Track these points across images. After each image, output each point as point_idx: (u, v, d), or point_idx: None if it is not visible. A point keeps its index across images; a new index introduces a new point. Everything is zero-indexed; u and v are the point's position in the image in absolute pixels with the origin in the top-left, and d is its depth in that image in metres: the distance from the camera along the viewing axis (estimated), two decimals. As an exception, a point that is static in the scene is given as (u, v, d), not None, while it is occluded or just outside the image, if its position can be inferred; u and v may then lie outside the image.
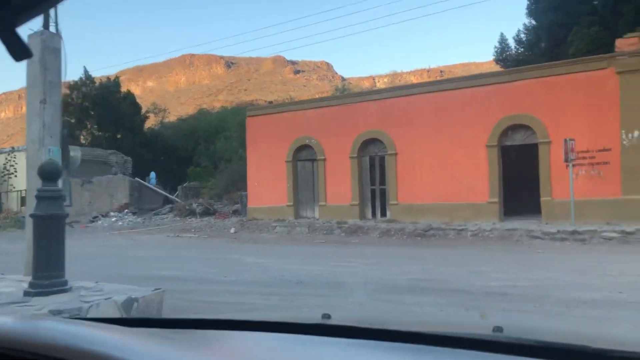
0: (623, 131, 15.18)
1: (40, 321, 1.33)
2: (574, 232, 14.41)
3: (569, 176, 15.23)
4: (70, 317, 1.89)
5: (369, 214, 20.13)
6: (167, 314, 6.38)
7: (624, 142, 15.16)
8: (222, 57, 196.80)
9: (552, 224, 15.59)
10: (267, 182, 22.19)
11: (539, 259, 11.93)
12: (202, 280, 9.63)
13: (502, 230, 15.65)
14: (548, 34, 28.58)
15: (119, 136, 45.71)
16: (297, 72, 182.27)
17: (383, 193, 19.96)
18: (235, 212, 24.84)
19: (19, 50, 0.63)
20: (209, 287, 8.88)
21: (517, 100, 16.90)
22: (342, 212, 20.08)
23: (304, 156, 21.67)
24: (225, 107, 65.80)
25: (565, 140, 14.99)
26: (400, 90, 19.03)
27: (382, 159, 19.87)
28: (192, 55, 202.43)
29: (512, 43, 31.01)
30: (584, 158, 15.74)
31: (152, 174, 35.61)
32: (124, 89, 49.00)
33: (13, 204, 30.09)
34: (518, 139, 17.29)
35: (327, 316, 1.64)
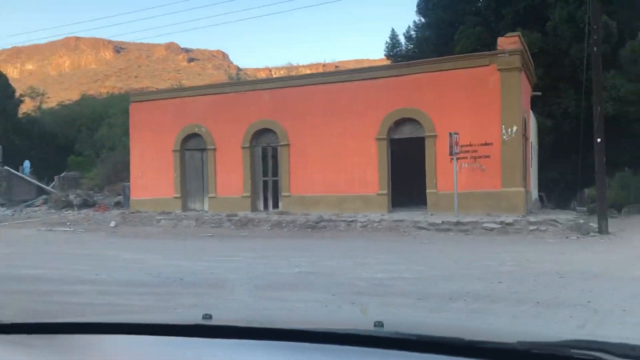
0: (503, 126, 15.92)
1: None
2: (457, 223, 14.89)
3: (453, 169, 15.73)
4: None
5: (260, 206, 19.66)
6: (24, 318, 5.53)
7: (504, 137, 15.91)
8: (110, 42, 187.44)
9: (437, 215, 16.04)
10: (152, 172, 20.97)
11: (424, 249, 12.13)
12: (69, 279, 8.68)
13: (390, 222, 15.85)
14: (437, 31, 29.55)
15: (-12, 122, 41.54)
16: (191, 60, 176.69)
17: (275, 185, 19.57)
18: (118, 205, 23.32)
19: None
20: (76, 288, 7.99)
21: (406, 94, 17.19)
22: (233, 204, 19.44)
23: (193, 145, 20.73)
24: (112, 93, 62.00)
25: (450, 134, 15.44)
26: (293, 80, 18.71)
27: (274, 149, 19.46)
28: (78, 39, 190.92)
29: (402, 39, 31.73)
30: (467, 152, 16.33)
31: (26, 163, 32.64)
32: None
33: None
34: (406, 132, 17.62)
35: (208, 316, 1.57)
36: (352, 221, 16.28)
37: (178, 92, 21.58)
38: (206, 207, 20.30)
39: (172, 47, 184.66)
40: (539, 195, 23.10)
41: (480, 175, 16.26)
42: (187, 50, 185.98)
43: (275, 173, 19.47)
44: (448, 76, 16.70)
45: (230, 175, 19.72)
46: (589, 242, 12.68)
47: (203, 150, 20.44)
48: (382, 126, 17.48)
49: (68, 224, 19.13)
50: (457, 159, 15.85)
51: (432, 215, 16.31)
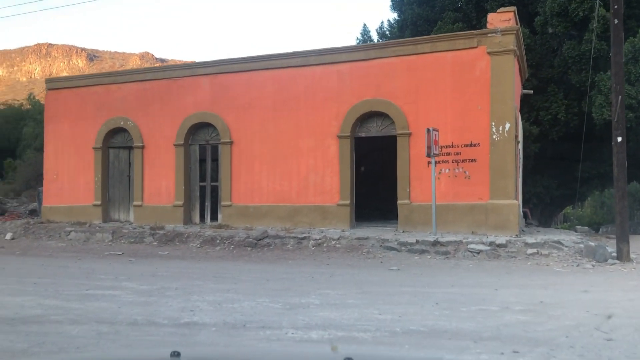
0: (493, 123, 12.76)
1: None
2: (435, 243, 11.62)
3: (430, 175, 12.52)
4: None
5: (196, 217, 16.10)
6: None
7: (494, 137, 12.74)
8: (84, 50, 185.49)
9: (410, 233, 12.78)
10: (69, 174, 17.28)
11: (393, 280, 8.79)
12: None
13: (351, 240, 12.51)
14: (412, 28, 26.72)
15: None
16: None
17: (215, 192, 16.06)
18: (33, 213, 19.52)
19: None
20: None
21: (375, 82, 13.97)
22: (164, 214, 15.87)
23: (118, 142, 17.10)
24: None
25: (428, 130, 12.23)
26: (237, 65, 15.31)
27: (214, 148, 15.97)
28: (50, 45, 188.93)
29: (375, 37, 28.76)
30: (448, 154, 13.15)
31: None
32: None
33: None
34: (374, 129, 14.35)
35: (176, 354, 1.51)
36: (303, 238, 12.88)
37: (101, 77, 17.91)
38: (131, 218, 16.65)
39: (146, 57, 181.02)
40: (523, 212, 20.08)
41: (463, 183, 13.07)
42: (162, 61, 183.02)
43: (216, 177, 15.97)
44: (426, 61, 13.52)
45: (161, 179, 16.15)
46: (611, 273, 9.52)
47: (129, 148, 16.83)
48: (344, 121, 14.19)
49: (-48, 235, 15.30)
50: (436, 162, 12.64)
51: (403, 232, 13.04)
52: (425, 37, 14.84)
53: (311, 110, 14.52)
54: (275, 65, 14.98)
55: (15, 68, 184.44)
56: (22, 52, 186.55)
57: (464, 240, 11.53)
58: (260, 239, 13.03)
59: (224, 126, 15.48)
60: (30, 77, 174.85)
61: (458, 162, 13.10)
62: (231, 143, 15.41)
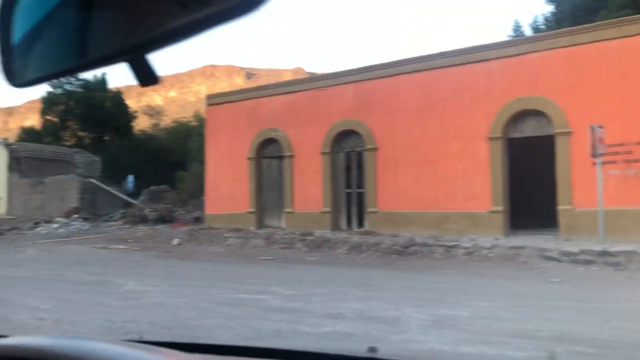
0: (672, 116, 11.16)
1: (116, 346, 1.05)
2: (603, 253, 10.40)
3: (596, 178, 11.26)
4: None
5: (343, 223, 16.25)
6: None
7: (673, 131, 11.13)
8: (243, 69, 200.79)
9: (572, 242, 11.60)
10: (227, 184, 18.46)
11: (554, 293, 7.99)
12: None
13: (505, 249, 11.68)
14: (571, 20, 24.63)
15: (106, 138, 42.73)
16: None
17: (361, 198, 16.08)
18: (197, 220, 21.13)
19: (145, 76, 0.58)
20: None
21: (528, 79, 12.98)
22: (312, 220, 16.25)
23: (270, 152, 17.91)
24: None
25: (592, 127, 11.02)
26: (381, 70, 15.20)
27: (359, 155, 16.01)
28: (214, 66, 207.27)
29: (528, 32, 27.00)
30: (617, 153, 11.74)
31: (130, 178, 32.13)
32: (147, 98, 46.43)
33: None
34: (528, 129, 13.32)
35: (373, 349, 1.42)
36: (452, 246, 12.32)
37: (253, 92, 18.93)
38: (284, 224, 17.30)
39: (298, 72, 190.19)
40: None
41: (636, 185, 11.58)
42: (312, 74, 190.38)
43: (361, 184, 15.98)
44: (588, 51, 12.26)
45: (309, 186, 16.57)
46: None
47: (280, 157, 17.53)
48: (495, 122, 13.38)
49: (130, 240, 17.10)
50: (603, 163, 11.34)
51: (566, 241, 11.89)
52: (585, 25, 13.47)
53: (458, 111, 13.92)
54: (419, 67, 14.62)
55: (185, 89, 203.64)
56: (191, 75, 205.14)
57: (638, 250, 10.17)
58: (406, 247, 12.72)
59: (368, 132, 15.46)
60: (198, 97, 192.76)
61: (629, 162, 11.65)
62: (376, 149, 15.33)
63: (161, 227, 19.86)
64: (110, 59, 0.59)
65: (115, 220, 22.07)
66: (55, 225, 21.34)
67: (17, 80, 0.65)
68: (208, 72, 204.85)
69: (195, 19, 0.52)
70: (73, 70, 0.63)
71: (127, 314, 6.21)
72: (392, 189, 14.96)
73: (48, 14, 0.63)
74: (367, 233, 14.88)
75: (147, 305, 6.88)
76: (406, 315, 6.03)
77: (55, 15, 0.62)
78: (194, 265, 11.97)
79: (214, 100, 19.56)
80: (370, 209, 15.40)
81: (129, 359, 0.97)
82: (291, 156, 17.05)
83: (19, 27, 0.64)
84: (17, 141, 32.81)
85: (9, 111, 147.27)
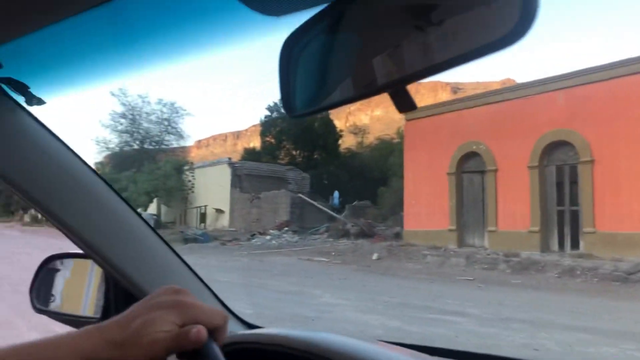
0: None
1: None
2: None
3: None
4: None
5: (554, 244, 14.75)
6: None
7: None
8: (448, 84, 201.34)
9: None
10: (425, 199, 18.14)
11: None
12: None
13: None
14: None
15: (315, 156, 45.75)
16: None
17: (575, 216, 14.44)
18: (397, 236, 21.15)
19: (404, 103, 0.62)
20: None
21: None
22: (518, 240, 15.07)
23: (471, 167, 17.14)
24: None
25: None
26: (597, 73, 13.52)
27: (573, 168, 14.42)
28: (419, 83, 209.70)
29: None
30: None
31: (336, 194, 33.82)
32: (354, 118, 49.73)
33: (192, 220, 30.59)
34: None
35: None
36: (693, 275, 10.32)
37: (453, 104, 18.34)
38: (486, 243, 16.36)
39: (507, 83, 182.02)
40: None
41: None
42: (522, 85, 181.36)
43: (575, 201, 14.36)
44: None
45: (515, 203, 15.42)
46: None
47: (482, 172, 16.67)
48: None
49: (332, 253, 17.76)
50: None
51: None
52: None
53: (700, 115, 11.72)
54: (645, 67, 12.70)
55: (390, 108, 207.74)
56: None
57: None
58: (631, 273, 11.01)
59: (583, 143, 13.86)
60: (402, 115, 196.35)
61: None
62: (592, 161, 13.67)
63: (362, 242, 20.30)
64: (374, 93, 0.63)
65: (320, 234, 23.21)
66: (268, 237, 23.22)
67: (295, 112, 0.70)
68: (412, 89, 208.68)
69: (458, 54, 0.52)
70: (340, 103, 0.68)
71: (316, 325, 6.31)
72: (613, 206, 13.15)
73: (320, 54, 0.68)
74: (581, 256, 13.27)
75: (337, 319, 6.95)
76: (624, 353, 5.10)
77: (326, 57, 0.68)
78: (389, 281, 11.90)
79: (413, 114, 19.44)
80: (586, 229, 13.73)
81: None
82: (494, 170, 16.09)
83: (301, 67, 0.69)
84: (240, 160, 36.75)
85: (237, 134, 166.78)
